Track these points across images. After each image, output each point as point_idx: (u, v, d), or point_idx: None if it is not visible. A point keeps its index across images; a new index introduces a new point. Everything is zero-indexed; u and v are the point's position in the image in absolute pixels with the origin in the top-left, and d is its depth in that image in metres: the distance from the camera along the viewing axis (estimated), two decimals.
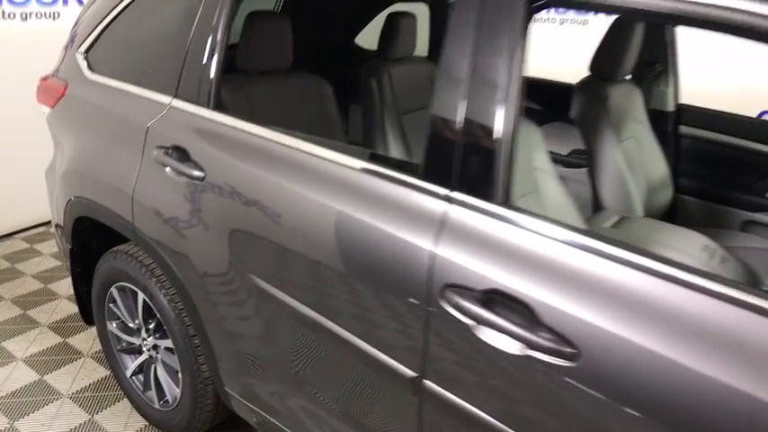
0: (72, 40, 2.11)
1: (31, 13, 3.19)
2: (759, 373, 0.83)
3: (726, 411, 0.84)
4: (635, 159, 2.12)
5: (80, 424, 2.12)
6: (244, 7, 1.85)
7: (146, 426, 2.11)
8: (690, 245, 1.65)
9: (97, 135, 1.90)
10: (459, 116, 1.12)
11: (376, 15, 2.70)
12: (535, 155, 1.59)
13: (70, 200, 1.98)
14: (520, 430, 1.05)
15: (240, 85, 1.85)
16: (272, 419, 1.63)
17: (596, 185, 1.96)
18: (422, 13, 2.63)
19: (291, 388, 1.53)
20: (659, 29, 2.18)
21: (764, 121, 2.15)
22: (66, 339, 2.58)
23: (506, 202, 1.08)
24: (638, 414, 0.91)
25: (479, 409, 1.09)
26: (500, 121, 1.08)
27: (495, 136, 1.08)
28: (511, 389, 1.04)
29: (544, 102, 2.53)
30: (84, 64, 2.00)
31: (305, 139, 1.39)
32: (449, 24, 1.16)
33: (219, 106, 1.60)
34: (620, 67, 1.97)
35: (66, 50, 2.14)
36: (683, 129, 2.28)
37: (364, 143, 2.41)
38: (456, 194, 1.12)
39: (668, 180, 2.21)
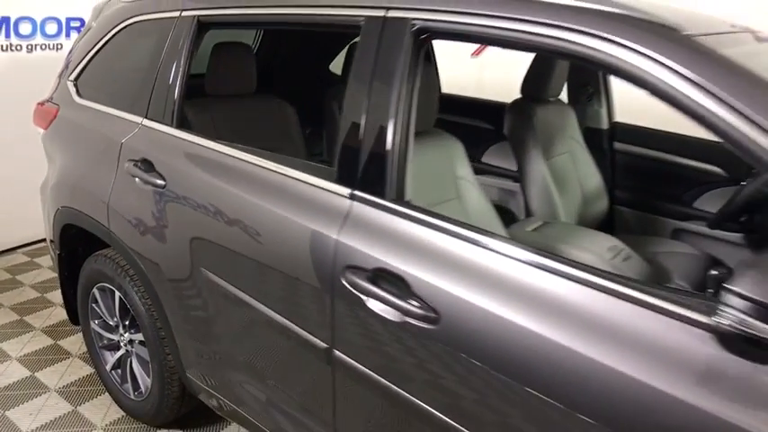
0: (65, 68, 2.40)
1: (36, 45, 3.51)
2: (586, 331, 1.02)
3: (558, 365, 1.04)
4: (569, 173, 2.34)
5: (64, 414, 2.34)
6: (212, 39, 2.12)
7: (123, 416, 2.33)
8: (597, 245, 1.85)
9: (82, 151, 2.16)
10: (361, 132, 1.36)
11: (346, 45, 2.97)
12: (457, 165, 1.82)
13: (58, 209, 2.24)
14: (406, 389, 1.26)
15: (206, 107, 2.10)
16: (228, 402, 1.84)
17: (526, 195, 2.18)
18: None
19: (241, 372, 1.75)
20: None
21: (692, 137, 2.35)
22: (58, 341, 2.82)
23: (397, 199, 1.31)
24: (490, 370, 1.12)
25: (374, 372, 1.30)
26: (391, 136, 1.31)
27: (387, 147, 1.31)
28: (396, 352, 1.25)
29: (496, 122, 2.77)
30: (73, 90, 2.28)
31: (249, 152, 1.64)
32: (356, 52, 1.41)
33: (182, 124, 1.86)
34: (546, 89, 2.21)
35: (59, 78, 2.42)
36: (618, 145, 2.50)
37: (329, 160, 2.65)
38: (358, 193, 1.35)
39: (603, 192, 2.43)
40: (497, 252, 1.14)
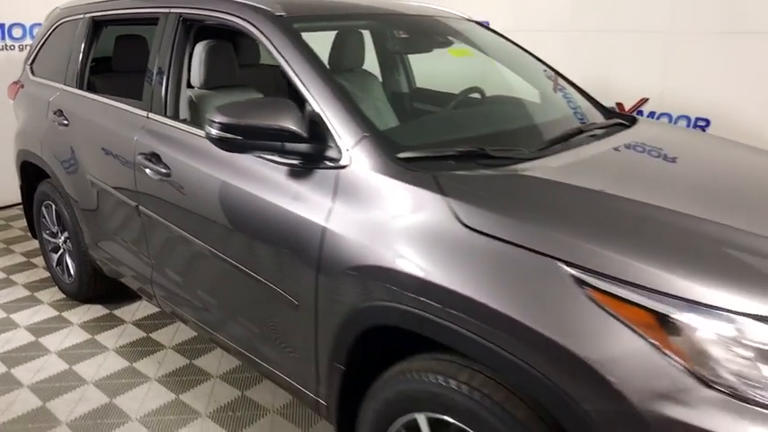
0: (27, 56, 3.54)
1: (26, 45, 4.70)
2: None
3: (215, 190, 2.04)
4: None
5: (24, 296, 3.45)
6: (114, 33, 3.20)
7: (64, 298, 3.43)
8: None
9: (31, 110, 3.29)
10: (153, 79, 2.40)
11: None
12: None
13: (19, 151, 3.37)
14: (167, 219, 2.28)
15: (111, 78, 3.18)
16: (111, 266, 2.90)
17: None
18: None
19: (109, 239, 2.80)
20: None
21: (475, 98, 3.27)
22: (30, 259, 3.96)
23: (170, 116, 2.34)
24: (198, 199, 2.14)
25: (154, 212, 2.34)
26: (165, 80, 2.35)
27: (164, 87, 2.35)
28: (158, 197, 2.29)
29: None
30: (29, 70, 3.41)
31: (110, 98, 2.70)
32: (155, 34, 2.45)
33: (83, 87, 2.94)
34: (344, 61, 3.20)
35: (24, 64, 3.56)
36: (417, 104, 3.45)
37: None
38: (150, 114, 2.39)
39: None
40: (194, 134, 2.16)
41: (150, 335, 3.05)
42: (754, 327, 1.15)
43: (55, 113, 2.98)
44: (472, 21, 2.95)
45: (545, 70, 2.85)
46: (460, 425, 1.45)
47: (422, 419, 1.55)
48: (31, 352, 2.89)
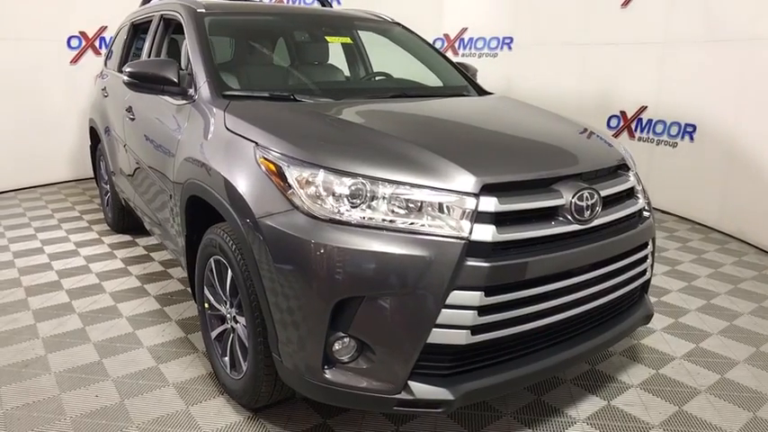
0: (105, 54, 5.06)
1: None
2: None
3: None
4: None
5: (84, 227, 4.89)
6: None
7: (107, 229, 4.80)
8: None
9: (97, 90, 4.75)
10: (144, 54, 3.64)
11: None
12: None
13: (88, 119, 4.86)
14: (134, 149, 3.48)
15: None
16: (122, 195, 4.18)
17: None
18: None
19: (120, 174, 4.07)
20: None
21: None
22: (101, 207, 5.45)
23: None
24: (141, 135, 3.30)
25: (131, 146, 3.55)
26: (147, 52, 3.57)
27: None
28: (134, 135, 3.48)
29: None
30: (104, 64, 4.91)
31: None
32: (150, 27, 3.70)
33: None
34: (311, 57, 4.23)
35: (104, 59, 5.09)
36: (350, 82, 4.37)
37: None
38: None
39: None
40: None
41: (150, 254, 4.28)
42: (326, 174, 1.98)
43: (103, 90, 4.38)
44: (395, 22, 3.86)
45: (443, 59, 3.68)
46: (221, 258, 2.38)
47: (212, 261, 2.51)
48: (68, 256, 4.24)
